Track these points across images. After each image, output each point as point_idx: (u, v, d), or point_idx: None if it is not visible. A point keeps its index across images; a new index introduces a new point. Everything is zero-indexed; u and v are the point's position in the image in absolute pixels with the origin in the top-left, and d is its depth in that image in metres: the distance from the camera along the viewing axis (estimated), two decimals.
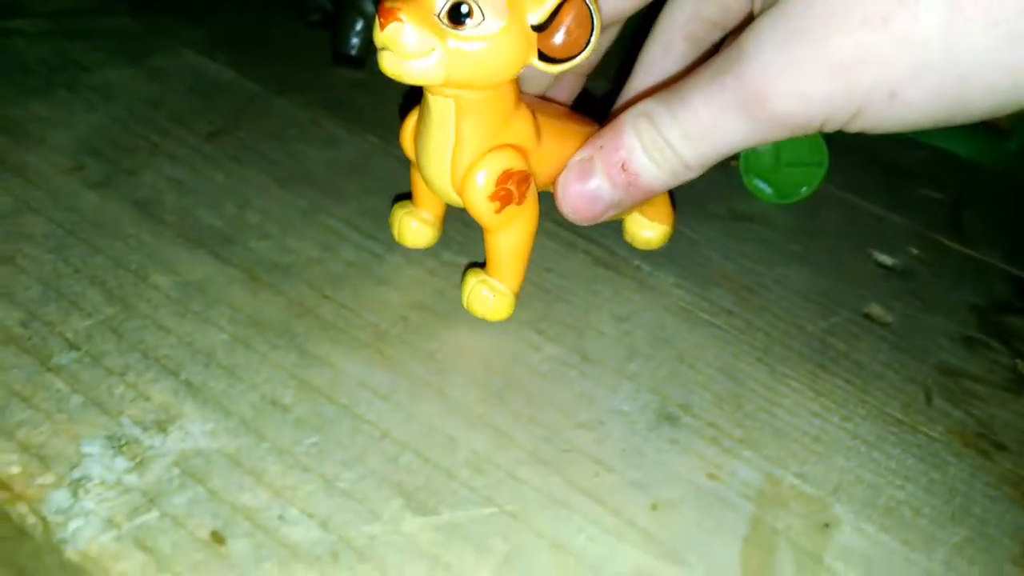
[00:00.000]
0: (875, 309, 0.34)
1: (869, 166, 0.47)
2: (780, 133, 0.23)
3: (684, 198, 0.38)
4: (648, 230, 0.32)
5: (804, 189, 0.39)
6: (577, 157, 0.26)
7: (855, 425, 0.27)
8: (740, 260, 0.35)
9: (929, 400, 0.30)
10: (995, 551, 0.24)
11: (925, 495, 0.25)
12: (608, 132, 0.26)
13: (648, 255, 0.33)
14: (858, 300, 0.34)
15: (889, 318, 0.34)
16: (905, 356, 0.31)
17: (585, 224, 0.27)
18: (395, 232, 0.30)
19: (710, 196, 0.39)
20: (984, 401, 0.30)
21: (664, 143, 0.24)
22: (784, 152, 0.39)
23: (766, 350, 0.30)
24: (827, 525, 0.23)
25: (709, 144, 0.24)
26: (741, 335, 0.30)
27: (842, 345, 0.31)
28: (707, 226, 0.37)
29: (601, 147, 0.26)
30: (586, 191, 0.26)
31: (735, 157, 0.40)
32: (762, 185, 0.40)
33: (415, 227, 0.29)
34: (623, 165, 0.25)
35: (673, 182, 0.25)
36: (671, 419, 0.26)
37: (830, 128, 0.23)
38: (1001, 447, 0.28)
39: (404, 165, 0.27)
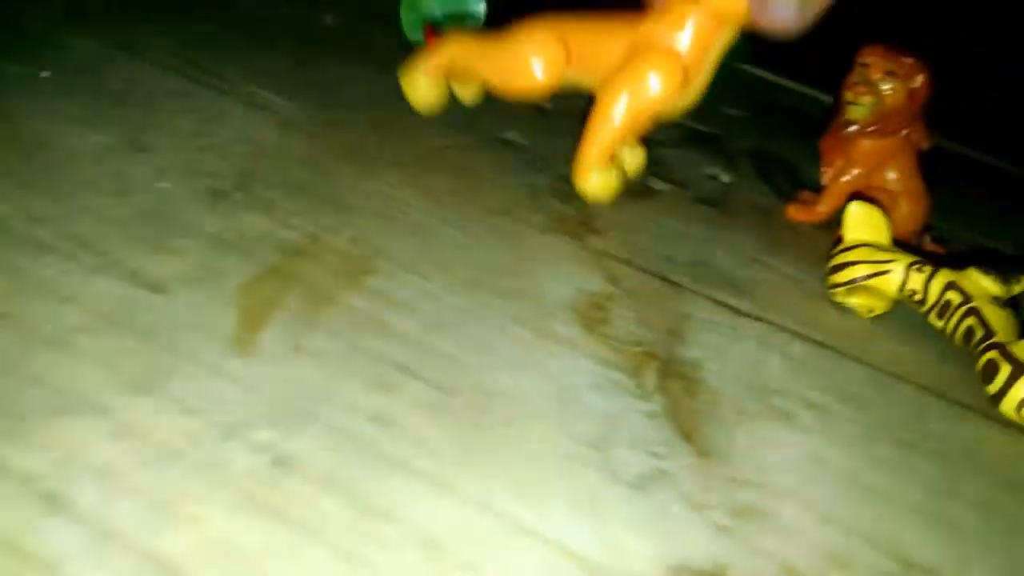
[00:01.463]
0: (512, 135, 0.34)
1: None
2: None
3: None
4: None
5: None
6: None
7: (455, 215, 0.27)
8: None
9: (536, 198, 0.30)
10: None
11: (487, 252, 0.25)
12: None
13: None
14: (498, 128, 0.34)
15: (524, 142, 0.34)
16: (528, 168, 0.32)
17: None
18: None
19: None
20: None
21: None
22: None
23: (358, 153, 0.29)
24: (362, 274, 0.23)
25: None
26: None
27: (474, 162, 0.31)
28: None
29: None
30: None
31: None
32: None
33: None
34: None
35: None
36: (222, 194, 0.24)
37: None
38: (595, 231, 0.29)
39: None
